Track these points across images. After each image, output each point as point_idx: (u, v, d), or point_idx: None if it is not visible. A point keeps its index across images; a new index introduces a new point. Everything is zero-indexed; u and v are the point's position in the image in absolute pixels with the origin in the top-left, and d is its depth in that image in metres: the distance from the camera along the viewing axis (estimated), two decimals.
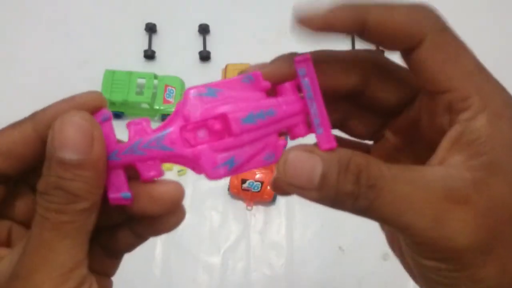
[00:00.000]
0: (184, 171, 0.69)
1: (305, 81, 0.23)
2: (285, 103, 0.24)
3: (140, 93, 0.69)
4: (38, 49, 0.77)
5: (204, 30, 0.77)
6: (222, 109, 0.23)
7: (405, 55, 0.25)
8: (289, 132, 0.24)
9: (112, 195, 0.23)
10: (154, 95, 0.70)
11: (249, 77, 0.24)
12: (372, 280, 0.63)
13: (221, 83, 0.24)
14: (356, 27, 0.23)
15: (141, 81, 0.70)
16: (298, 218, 0.67)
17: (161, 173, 0.24)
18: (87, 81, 0.73)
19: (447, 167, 0.22)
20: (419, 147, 0.26)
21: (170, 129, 0.23)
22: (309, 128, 0.24)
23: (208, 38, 0.77)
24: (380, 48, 0.25)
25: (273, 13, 0.80)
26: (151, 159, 0.23)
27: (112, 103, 0.70)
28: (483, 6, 0.80)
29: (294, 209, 0.67)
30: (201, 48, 0.77)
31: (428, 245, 0.22)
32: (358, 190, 0.21)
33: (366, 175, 0.21)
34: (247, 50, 0.77)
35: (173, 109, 0.70)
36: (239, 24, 0.79)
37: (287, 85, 0.24)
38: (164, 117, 0.71)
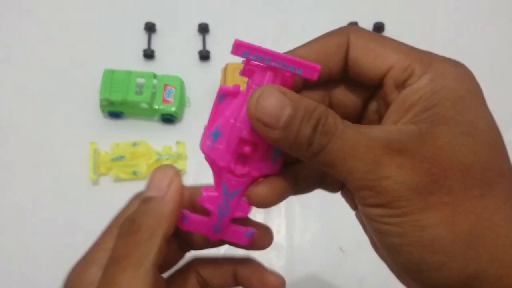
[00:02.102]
0: (183, 171, 0.69)
1: (257, 56, 0.25)
2: (257, 80, 0.25)
3: (139, 92, 0.69)
4: (37, 49, 0.76)
5: (203, 29, 0.77)
6: (235, 135, 0.26)
7: (343, 70, 0.26)
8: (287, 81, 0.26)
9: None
10: (153, 95, 0.70)
11: (221, 96, 0.27)
12: (372, 281, 0.63)
13: (211, 119, 0.27)
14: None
15: (140, 80, 0.70)
16: (298, 219, 0.67)
17: (247, 211, 0.28)
18: (86, 80, 0.73)
19: (397, 124, 0.24)
20: None
21: (225, 180, 0.27)
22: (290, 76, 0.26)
23: (207, 37, 0.77)
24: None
25: (273, 13, 0.80)
26: (234, 207, 0.28)
27: (111, 103, 0.69)
28: (483, 6, 0.80)
29: (294, 210, 0.67)
30: (201, 48, 0.76)
31: (367, 188, 0.23)
32: (314, 136, 0.23)
33: (323, 122, 0.23)
34: None
35: (172, 109, 0.70)
36: (239, 23, 0.78)
37: (252, 67, 0.26)
38: (163, 117, 0.71)
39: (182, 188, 0.26)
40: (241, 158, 0.26)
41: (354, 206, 0.31)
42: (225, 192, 0.27)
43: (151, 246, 0.24)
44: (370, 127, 0.24)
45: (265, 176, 0.27)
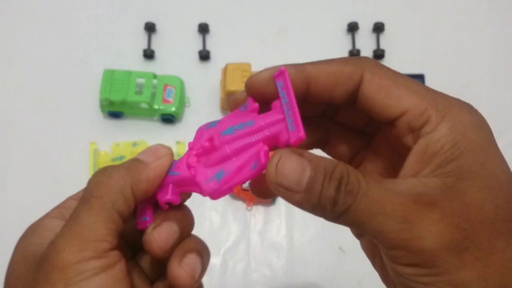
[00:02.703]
0: None
1: (282, 92, 0.25)
2: (266, 115, 0.25)
3: (139, 92, 0.69)
4: (37, 48, 0.76)
5: (203, 29, 0.77)
6: (212, 131, 0.27)
7: (354, 103, 0.26)
8: (277, 142, 0.25)
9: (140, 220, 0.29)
10: (153, 95, 0.70)
11: (245, 105, 0.27)
12: (372, 281, 0.63)
13: (225, 118, 0.27)
14: (298, 80, 0.25)
15: (140, 80, 0.70)
16: (298, 219, 0.67)
17: (175, 198, 0.28)
18: (86, 80, 0.73)
19: (418, 177, 0.23)
20: (396, 168, 0.27)
21: (179, 159, 0.27)
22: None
23: (207, 37, 0.77)
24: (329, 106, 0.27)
25: (273, 13, 0.80)
26: (166, 185, 0.28)
27: (111, 103, 0.69)
28: (483, 6, 0.80)
29: (294, 210, 0.67)
30: (201, 48, 0.76)
31: (401, 248, 0.22)
32: (338, 196, 0.22)
33: (346, 181, 0.22)
34: (246, 49, 0.76)
35: (172, 109, 0.70)
36: (239, 23, 0.78)
37: (277, 103, 0.25)
38: (163, 117, 0.71)
39: (168, 167, 0.28)
40: (207, 154, 0.27)
41: (357, 234, 0.31)
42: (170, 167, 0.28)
43: (120, 195, 0.26)
44: (393, 181, 0.23)
45: (199, 192, 0.27)
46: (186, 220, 0.29)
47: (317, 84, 0.25)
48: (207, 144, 0.26)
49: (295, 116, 0.24)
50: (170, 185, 0.27)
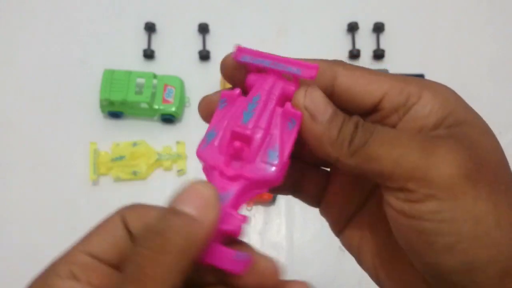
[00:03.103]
0: (183, 171, 0.69)
1: (253, 59, 0.25)
2: (259, 85, 0.25)
3: (139, 92, 0.69)
4: (37, 49, 0.76)
5: (203, 29, 0.77)
6: (227, 130, 0.24)
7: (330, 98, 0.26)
8: (288, 97, 0.25)
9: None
10: (153, 95, 0.70)
11: (221, 101, 0.25)
12: (372, 281, 0.63)
13: (210, 124, 0.25)
14: None
15: (140, 80, 0.70)
16: (298, 219, 0.67)
17: (238, 224, 0.22)
18: (86, 80, 0.73)
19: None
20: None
21: (213, 183, 0.23)
22: (293, 79, 0.25)
23: (207, 37, 0.77)
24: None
25: (273, 13, 0.80)
26: (222, 218, 0.22)
27: (111, 103, 0.69)
28: (483, 6, 0.80)
29: (294, 210, 0.67)
30: (201, 48, 0.76)
31: (418, 178, 0.22)
32: (357, 131, 0.23)
33: (363, 123, 0.24)
34: None
35: (172, 109, 0.70)
36: (239, 23, 0.78)
37: (253, 76, 0.25)
38: (163, 117, 0.71)
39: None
40: (235, 160, 0.24)
41: (339, 227, 0.30)
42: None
43: (176, 269, 0.20)
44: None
45: (268, 187, 0.24)
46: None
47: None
48: (238, 145, 0.24)
49: (292, 61, 0.24)
50: (236, 213, 0.23)
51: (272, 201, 0.68)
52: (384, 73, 0.26)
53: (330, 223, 0.31)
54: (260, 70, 0.25)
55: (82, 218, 0.66)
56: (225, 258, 0.22)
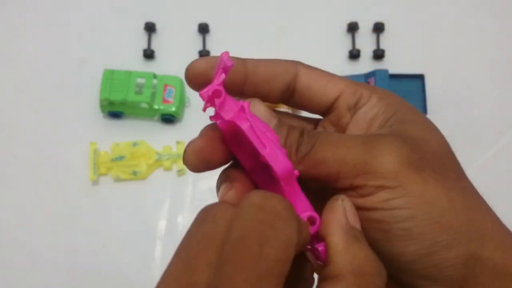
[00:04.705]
0: (183, 171, 0.69)
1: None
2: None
3: (139, 92, 0.69)
4: (37, 49, 0.76)
5: (203, 29, 0.77)
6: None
7: (290, 97, 0.27)
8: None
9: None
10: (153, 95, 0.70)
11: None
12: None
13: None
14: (238, 71, 0.26)
15: (140, 80, 0.70)
16: None
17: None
18: (86, 80, 0.73)
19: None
20: None
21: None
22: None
23: (207, 37, 0.77)
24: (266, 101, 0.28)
25: (273, 13, 0.80)
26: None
27: (111, 103, 0.69)
28: (483, 7, 0.80)
29: None
30: (201, 48, 0.76)
31: (365, 172, 0.23)
32: (302, 138, 0.24)
33: (308, 130, 0.25)
34: (246, 49, 0.76)
35: (172, 109, 0.70)
36: (239, 23, 0.78)
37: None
38: (163, 117, 0.71)
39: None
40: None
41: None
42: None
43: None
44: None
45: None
46: None
47: (256, 75, 0.26)
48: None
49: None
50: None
51: None
52: (339, 76, 0.27)
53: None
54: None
55: (82, 218, 0.66)
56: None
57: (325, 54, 0.76)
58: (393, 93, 0.27)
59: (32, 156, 0.70)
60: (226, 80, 0.24)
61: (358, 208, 0.23)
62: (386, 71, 0.71)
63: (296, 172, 0.23)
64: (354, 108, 0.27)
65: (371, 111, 0.26)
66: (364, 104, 0.26)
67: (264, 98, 0.27)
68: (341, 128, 0.27)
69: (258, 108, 0.25)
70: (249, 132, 0.23)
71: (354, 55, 0.76)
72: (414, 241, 0.22)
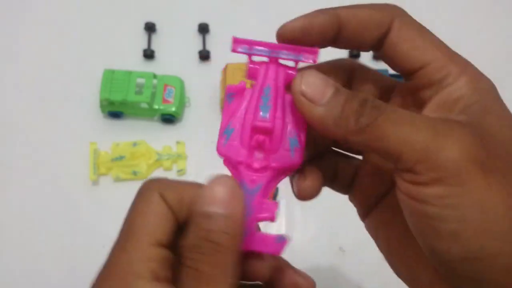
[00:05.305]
0: (183, 171, 0.69)
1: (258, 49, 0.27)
2: (264, 75, 0.26)
3: (139, 92, 0.69)
4: (37, 48, 0.76)
5: (203, 29, 0.77)
6: (247, 125, 0.25)
7: (379, 49, 0.26)
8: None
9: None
10: (153, 95, 0.70)
11: (228, 95, 0.26)
12: (372, 281, 0.63)
13: (223, 120, 0.26)
14: (331, 26, 0.25)
15: (140, 80, 0.70)
16: (298, 218, 0.67)
17: (273, 210, 0.25)
18: (86, 80, 0.73)
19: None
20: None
21: (244, 178, 0.25)
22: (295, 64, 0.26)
23: (207, 37, 0.77)
24: (356, 50, 0.28)
25: (273, 13, 0.79)
26: (257, 207, 0.25)
27: (111, 103, 0.69)
28: (483, 6, 0.80)
29: (294, 209, 0.67)
30: (201, 48, 0.76)
31: (425, 160, 0.21)
32: (363, 110, 0.22)
33: (372, 100, 0.23)
34: None
35: (172, 109, 0.70)
36: (239, 23, 0.78)
37: (253, 69, 0.27)
38: (163, 117, 0.71)
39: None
40: (258, 152, 0.25)
41: (365, 212, 0.30)
42: (246, 191, 0.25)
43: (231, 267, 0.23)
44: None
45: (296, 170, 0.26)
46: None
47: (347, 29, 0.25)
48: (261, 137, 0.25)
49: (288, 48, 0.25)
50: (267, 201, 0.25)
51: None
52: (436, 39, 0.25)
53: (357, 209, 0.31)
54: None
55: (82, 218, 0.66)
56: (267, 242, 0.25)
57: (325, 54, 0.76)
58: (487, 78, 0.26)
59: (32, 156, 0.70)
60: (316, 32, 0.25)
61: (410, 196, 0.22)
62: (386, 71, 0.71)
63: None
64: (438, 85, 0.24)
65: (455, 92, 0.24)
66: (450, 84, 0.24)
67: (356, 47, 0.26)
68: (418, 101, 0.25)
69: (311, 80, 0.24)
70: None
71: (354, 55, 0.76)
72: (461, 244, 0.21)
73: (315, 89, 0.23)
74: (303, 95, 0.23)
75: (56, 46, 0.76)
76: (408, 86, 0.26)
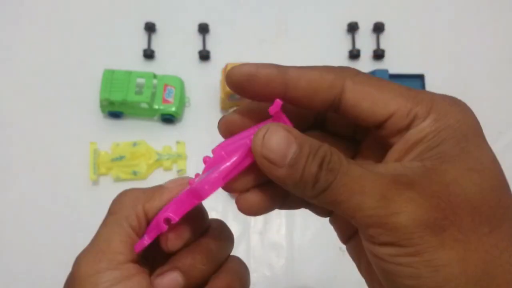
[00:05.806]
0: (183, 171, 0.69)
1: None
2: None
3: (139, 92, 0.69)
4: (37, 49, 0.76)
5: (203, 29, 0.77)
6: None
7: (337, 111, 0.25)
8: None
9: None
10: (153, 95, 0.70)
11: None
12: None
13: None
14: (276, 79, 0.25)
15: (140, 80, 0.70)
16: (298, 218, 0.67)
17: (174, 216, 0.27)
18: (86, 80, 0.73)
19: (400, 162, 0.24)
20: None
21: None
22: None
23: (207, 37, 0.77)
24: (311, 110, 0.27)
25: (273, 13, 0.80)
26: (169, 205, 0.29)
27: (111, 103, 0.69)
28: (483, 7, 0.80)
29: (294, 210, 0.67)
30: (201, 48, 0.76)
31: (377, 226, 0.22)
32: (320, 173, 0.22)
33: (329, 160, 0.23)
34: (246, 49, 0.77)
35: (172, 109, 0.70)
36: (239, 23, 0.78)
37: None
38: (163, 117, 0.71)
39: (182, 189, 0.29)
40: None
41: (344, 238, 0.31)
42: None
43: (132, 210, 0.29)
44: (375, 165, 0.24)
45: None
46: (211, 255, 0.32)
47: (297, 89, 0.25)
48: (207, 158, 0.27)
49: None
50: (172, 202, 0.28)
51: None
52: (395, 87, 0.25)
53: (338, 233, 0.32)
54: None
55: (82, 218, 0.66)
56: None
57: (325, 54, 0.76)
58: (459, 106, 0.24)
59: (32, 156, 0.70)
60: (263, 91, 0.25)
61: (368, 251, 0.24)
62: (386, 71, 0.71)
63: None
64: (405, 130, 0.24)
65: (418, 134, 0.24)
66: (416, 126, 0.24)
67: (310, 108, 0.26)
68: (388, 148, 0.25)
69: (273, 142, 0.23)
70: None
71: (354, 55, 0.76)
72: None
73: (276, 151, 0.23)
74: (265, 158, 0.23)
75: (56, 46, 0.76)
76: (377, 135, 0.26)
